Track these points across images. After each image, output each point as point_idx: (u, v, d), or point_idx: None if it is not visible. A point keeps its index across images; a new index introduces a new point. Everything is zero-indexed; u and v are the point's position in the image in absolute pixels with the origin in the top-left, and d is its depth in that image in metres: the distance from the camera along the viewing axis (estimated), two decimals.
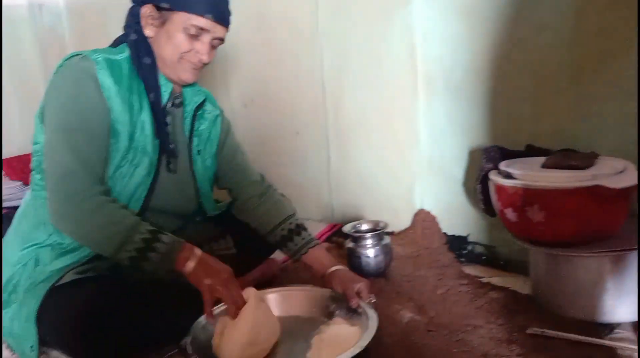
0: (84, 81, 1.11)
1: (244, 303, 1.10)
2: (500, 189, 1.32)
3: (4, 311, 1.15)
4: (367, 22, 1.81)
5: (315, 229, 1.94)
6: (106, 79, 1.13)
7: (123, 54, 1.19)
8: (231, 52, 2.19)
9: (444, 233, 1.76)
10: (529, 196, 1.24)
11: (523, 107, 1.56)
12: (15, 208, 2.39)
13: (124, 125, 1.15)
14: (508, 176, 1.31)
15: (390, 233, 1.80)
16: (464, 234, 1.74)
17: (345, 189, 2.02)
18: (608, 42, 1.40)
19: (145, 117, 1.19)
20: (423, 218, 1.78)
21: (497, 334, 1.20)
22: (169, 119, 1.25)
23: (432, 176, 1.78)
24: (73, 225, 1.10)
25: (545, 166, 1.32)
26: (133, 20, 1.21)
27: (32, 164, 1.23)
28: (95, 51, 1.17)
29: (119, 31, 1.27)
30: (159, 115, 1.20)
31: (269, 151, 2.18)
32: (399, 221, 1.84)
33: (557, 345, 1.14)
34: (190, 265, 1.09)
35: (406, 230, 1.81)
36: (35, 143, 1.20)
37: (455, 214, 1.74)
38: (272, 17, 2.06)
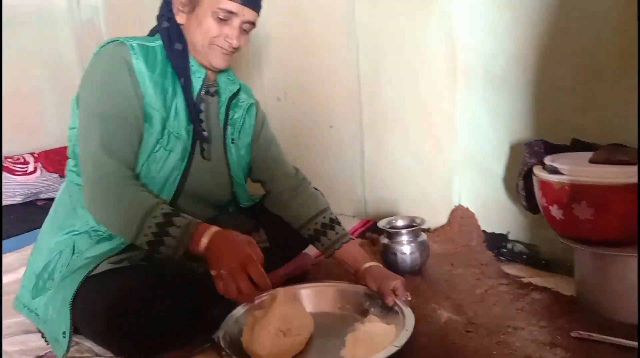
0: (118, 66, 1.13)
1: (265, 283, 1.03)
2: (545, 185, 1.26)
3: (39, 298, 1.16)
4: (405, 11, 1.76)
5: (348, 224, 1.91)
6: (140, 64, 1.15)
7: (157, 42, 1.21)
8: (265, 43, 2.17)
9: (483, 231, 1.70)
10: (577, 193, 1.18)
11: (568, 99, 1.49)
12: (52, 199, 2.43)
13: (157, 110, 1.16)
14: (554, 171, 1.25)
15: (427, 230, 1.75)
16: (503, 232, 1.68)
17: (380, 184, 1.98)
18: None
19: (179, 103, 1.20)
20: (461, 215, 1.72)
21: (540, 336, 1.15)
22: (203, 106, 1.26)
23: (471, 170, 1.72)
24: (100, 209, 1.11)
25: (593, 161, 1.25)
26: (166, 8, 1.23)
27: (68, 151, 1.25)
28: (130, 37, 1.18)
29: (154, 24, 1.27)
30: (190, 100, 1.20)
31: (302, 144, 2.16)
32: (435, 217, 1.79)
33: (603, 350, 1.08)
34: (203, 243, 1.04)
35: (443, 226, 1.76)
36: (71, 128, 1.22)
37: (495, 211, 1.68)
38: (307, 8, 2.03)
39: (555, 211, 1.24)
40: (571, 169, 1.21)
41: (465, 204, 1.75)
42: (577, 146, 1.42)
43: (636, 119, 1.39)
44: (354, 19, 1.90)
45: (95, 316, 1.07)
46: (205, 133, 1.24)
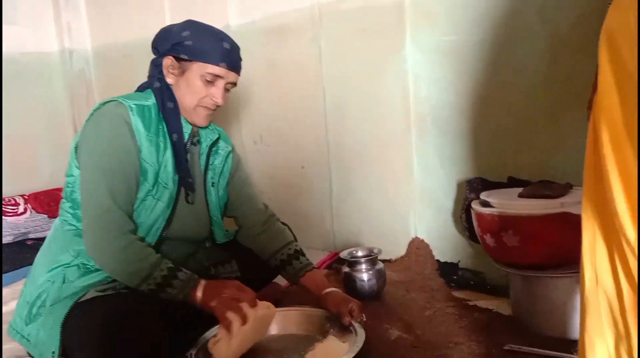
0: (120, 125, 1.27)
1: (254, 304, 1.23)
2: (479, 216, 1.45)
3: (32, 325, 1.28)
4: (364, 67, 1.98)
5: (319, 256, 2.07)
6: (138, 123, 1.29)
7: (150, 100, 1.35)
8: (243, 93, 2.38)
9: (437, 260, 1.87)
10: (504, 223, 1.36)
11: (505, 143, 1.70)
12: (40, 239, 2.57)
13: (151, 164, 1.31)
14: (486, 204, 1.44)
15: (388, 260, 1.92)
16: (455, 261, 1.85)
17: (347, 219, 2.15)
18: (580, 82, 1.54)
19: (169, 156, 1.35)
20: (417, 246, 1.90)
21: (477, 350, 1.31)
22: (188, 156, 1.41)
23: (425, 206, 1.91)
24: (106, 259, 1.25)
25: (521, 195, 1.44)
26: (156, 70, 1.38)
27: (64, 193, 1.37)
28: (127, 96, 1.33)
29: (141, 75, 1.43)
30: (180, 153, 1.36)
31: (277, 184, 2.33)
32: (395, 248, 1.96)
33: None
34: (198, 295, 1.23)
35: (402, 257, 1.93)
36: (69, 175, 1.35)
37: (447, 242, 1.86)
38: (281, 63, 2.24)
39: (488, 239, 1.42)
40: (500, 202, 1.40)
41: (421, 236, 1.93)
42: (512, 182, 1.62)
43: (563, 159, 1.59)
44: (321, 73, 2.11)
45: (83, 337, 1.20)
46: (190, 181, 1.40)
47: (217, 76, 1.33)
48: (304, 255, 1.52)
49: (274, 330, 1.41)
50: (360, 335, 1.26)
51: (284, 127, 2.30)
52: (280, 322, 1.44)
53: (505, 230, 1.36)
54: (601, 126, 0.74)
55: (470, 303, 1.61)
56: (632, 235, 0.71)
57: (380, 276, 1.65)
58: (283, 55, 2.23)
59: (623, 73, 0.72)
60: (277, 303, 1.64)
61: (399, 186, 1.96)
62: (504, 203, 1.39)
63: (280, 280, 1.66)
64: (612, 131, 0.73)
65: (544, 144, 1.63)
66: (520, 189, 1.48)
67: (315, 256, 1.99)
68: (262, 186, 2.29)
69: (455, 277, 1.82)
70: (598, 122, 0.75)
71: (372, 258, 1.66)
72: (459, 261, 1.84)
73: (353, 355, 1.18)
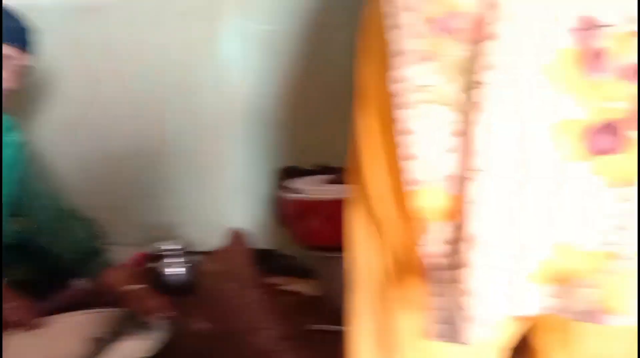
0: None
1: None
2: (285, 202, 1.48)
3: None
4: (179, 52, 1.90)
5: (132, 252, 1.96)
6: None
7: None
8: (47, 76, 2.15)
9: (254, 248, 1.88)
10: (306, 207, 1.41)
11: (319, 132, 1.75)
12: None
13: None
14: (293, 191, 1.47)
15: (203, 252, 1.88)
16: (270, 247, 1.87)
17: (163, 212, 2.06)
18: None
19: None
20: (234, 236, 1.88)
21: (283, 333, 1.33)
22: None
23: (242, 195, 1.91)
24: None
25: (330, 181, 1.50)
26: None
27: None
28: None
29: None
30: None
31: (87, 176, 2.14)
32: (213, 239, 1.92)
33: (330, 338, 1.29)
34: None
35: (219, 248, 1.90)
36: None
37: (263, 230, 1.88)
38: (91, 45, 2.05)
39: (293, 223, 1.46)
40: (302, 188, 1.44)
41: (238, 226, 1.91)
42: (323, 170, 1.68)
43: None
44: (137, 58, 1.98)
45: None
46: None
47: (7, 57, 1.24)
48: (103, 252, 1.45)
49: (69, 336, 1.29)
50: (162, 332, 1.22)
51: (95, 115, 2.11)
52: (76, 326, 1.33)
53: (307, 214, 1.40)
54: (367, 112, 0.77)
55: (282, 288, 1.65)
56: (390, 214, 0.75)
57: (191, 269, 1.61)
58: (93, 36, 2.04)
59: (385, 59, 0.75)
60: (79, 306, 1.53)
61: (216, 176, 1.94)
62: (307, 188, 1.44)
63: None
64: (380, 117, 0.76)
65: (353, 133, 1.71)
66: (329, 176, 1.54)
67: (129, 253, 1.87)
68: (70, 178, 2.08)
69: (270, 264, 1.84)
70: (362, 108, 0.78)
71: (181, 252, 1.61)
72: (274, 248, 1.87)
73: (152, 353, 1.13)
